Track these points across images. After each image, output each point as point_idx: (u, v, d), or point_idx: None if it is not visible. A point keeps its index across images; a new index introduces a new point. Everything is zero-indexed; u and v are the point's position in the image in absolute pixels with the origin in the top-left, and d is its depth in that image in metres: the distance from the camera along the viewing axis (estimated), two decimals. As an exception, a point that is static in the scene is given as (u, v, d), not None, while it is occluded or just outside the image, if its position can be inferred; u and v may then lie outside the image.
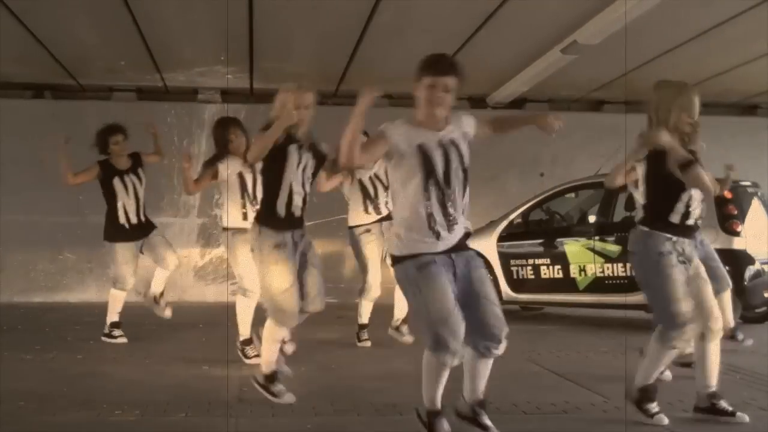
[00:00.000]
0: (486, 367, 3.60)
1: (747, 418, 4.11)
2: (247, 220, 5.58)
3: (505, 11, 7.83)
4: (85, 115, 9.70)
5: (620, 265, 7.78)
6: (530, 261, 8.71)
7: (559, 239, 8.55)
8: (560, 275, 8.44)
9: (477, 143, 3.65)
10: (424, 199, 3.41)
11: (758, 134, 11.52)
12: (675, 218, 4.10)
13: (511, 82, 10.53)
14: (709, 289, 4.16)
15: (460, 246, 3.51)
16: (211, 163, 5.77)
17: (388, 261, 3.92)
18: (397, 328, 6.70)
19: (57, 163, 6.74)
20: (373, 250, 6.49)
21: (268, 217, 4.31)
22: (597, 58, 8.79)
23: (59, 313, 8.50)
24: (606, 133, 10.94)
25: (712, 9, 7.79)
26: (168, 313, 6.79)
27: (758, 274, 7.67)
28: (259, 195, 5.00)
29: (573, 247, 8.39)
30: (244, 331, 5.70)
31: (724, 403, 4.15)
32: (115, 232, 6.74)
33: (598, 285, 8.12)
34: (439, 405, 3.58)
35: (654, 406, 4.13)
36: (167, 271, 6.73)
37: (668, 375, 5.05)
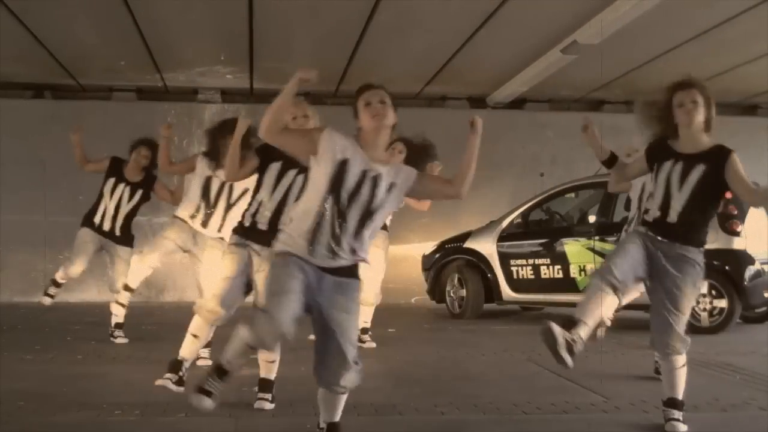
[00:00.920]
0: (334, 398, 3.39)
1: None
2: (193, 220, 5.62)
3: (505, 11, 7.83)
4: (85, 115, 9.71)
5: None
6: (530, 261, 8.71)
7: (559, 239, 8.56)
8: (560, 275, 8.45)
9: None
10: (318, 211, 3.21)
11: (758, 134, 11.51)
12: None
13: (511, 82, 10.53)
14: None
15: (339, 272, 3.24)
16: (195, 156, 5.75)
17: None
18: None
19: (72, 149, 6.70)
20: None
21: (237, 226, 4.36)
22: (597, 58, 8.78)
23: (59, 313, 8.48)
24: (606, 133, 10.89)
25: (712, 9, 7.80)
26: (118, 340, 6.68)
27: (758, 274, 7.67)
28: (221, 203, 5.45)
29: (573, 247, 8.40)
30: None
31: None
32: (86, 221, 6.79)
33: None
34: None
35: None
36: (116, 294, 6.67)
37: None
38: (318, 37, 8.77)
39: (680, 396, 3.91)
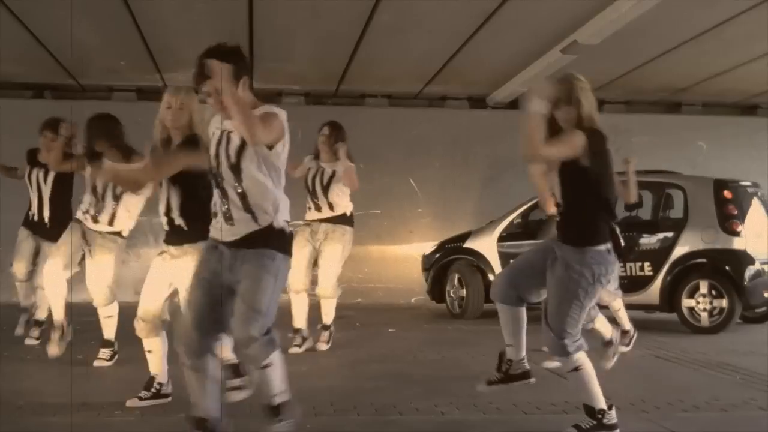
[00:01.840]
0: (262, 374, 3.24)
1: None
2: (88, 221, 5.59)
3: (505, 11, 7.83)
4: (85, 115, 9.68)
5: (620, 265, 7.76)
6: (530, 261, 8.69)
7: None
8: (560, 275, 8.43)
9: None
10: (214, 186, 3.37)
11: (758, 134, 11.51)
12: None
13: (511, 82, 10.53)
14: None
15: (243, 243, 3.28)
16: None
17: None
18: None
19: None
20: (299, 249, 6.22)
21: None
22: (597, 58, 8.79)
23: (59, 313, 8.48)
24: (606, 133, 10.96)
25: (712, 9, 7.80)
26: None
27: (758, 274, 7.67)
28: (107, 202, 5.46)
29: (573, 247, 8.39)
30: None
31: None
32: (24, 218, 6.86)
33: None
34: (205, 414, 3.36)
35: None
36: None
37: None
38: (318, 37, 8.77)
39: (592, 402, 3.68)
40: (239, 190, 3.26)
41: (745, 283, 7.56)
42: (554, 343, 3.65)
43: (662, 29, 8.29)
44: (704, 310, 7.61)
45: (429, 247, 9.84)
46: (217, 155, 3.31)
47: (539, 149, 3.70)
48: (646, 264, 7.89)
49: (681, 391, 4.87)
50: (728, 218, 7.71)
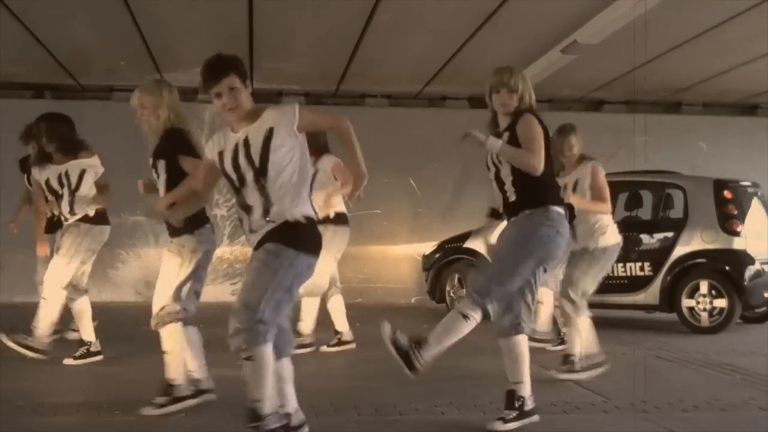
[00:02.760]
0: (247, 371, 3.24)
1: None
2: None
3: (505, 11, 7.83)
4: (85, 115, 9.69)
5: (620, 265, 7.76)
6: (530, 261, 8.69)
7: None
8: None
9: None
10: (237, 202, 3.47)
11: (758, 134, 11.52)
12: None
13: (511, 82, 10.52)
14: None
15: (262, 242, 3.37)
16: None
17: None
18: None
19: None
20: None
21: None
22: (597, 58, 8.79)
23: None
24: (606, 133, 10.95)
25: (712, 9, 7.80)
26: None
27: (758, 274, 7.66)
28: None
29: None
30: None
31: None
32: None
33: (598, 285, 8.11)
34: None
35: None
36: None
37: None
38: (318, 37, 8.78)
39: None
40: (264, 192, 3.32)
41: (745, 283, 7.55)
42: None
43: (662, 29, 8.29)
44: (704, 310, 7.60)
45: (429, 247, 9.84)
46: (237, 165, 3.36)
47: (537, 160, 3.99)
48: (646, 264, 7.89)
49: (681, 391, 4.86)
50: (728, 218, 7.70)
